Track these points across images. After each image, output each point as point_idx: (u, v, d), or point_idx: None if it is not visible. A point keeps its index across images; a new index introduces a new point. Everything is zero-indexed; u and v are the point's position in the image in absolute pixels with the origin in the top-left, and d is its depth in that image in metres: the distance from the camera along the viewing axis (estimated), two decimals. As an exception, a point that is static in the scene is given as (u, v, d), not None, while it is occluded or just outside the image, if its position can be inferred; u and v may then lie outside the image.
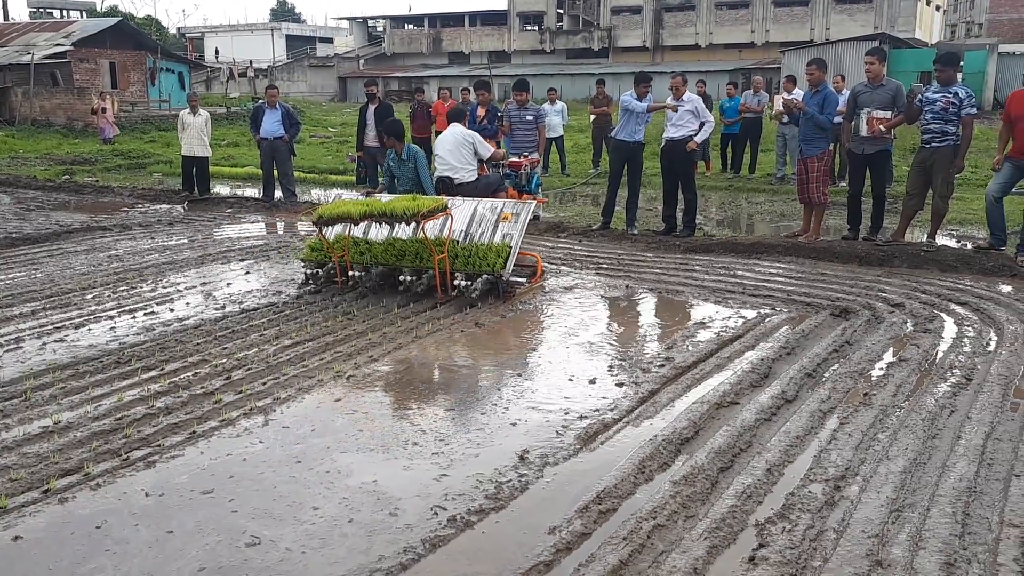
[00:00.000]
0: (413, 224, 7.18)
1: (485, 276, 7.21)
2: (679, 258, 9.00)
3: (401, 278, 7.42)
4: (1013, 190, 8.52)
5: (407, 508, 3.72)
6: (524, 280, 7.69)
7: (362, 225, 7.58)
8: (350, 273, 7.66)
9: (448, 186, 8.47)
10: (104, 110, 24.64)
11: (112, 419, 4.64)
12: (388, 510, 3.71)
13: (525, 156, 9.91)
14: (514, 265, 7.41)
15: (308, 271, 7.82)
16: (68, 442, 4.35)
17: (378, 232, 7.77)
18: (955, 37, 60.89)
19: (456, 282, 7.30)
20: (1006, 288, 7.59)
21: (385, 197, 7.85)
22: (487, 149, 8.74)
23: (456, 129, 8.65)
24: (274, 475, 4.06)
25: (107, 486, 3.94)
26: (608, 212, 10.43)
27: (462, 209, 7.76)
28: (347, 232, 7.62)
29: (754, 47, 52.56)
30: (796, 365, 5.50)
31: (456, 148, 8.56)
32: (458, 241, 7.50)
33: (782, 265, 8.56)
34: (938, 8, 55.06)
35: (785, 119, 10.87)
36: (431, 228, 7.34)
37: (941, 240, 9.18)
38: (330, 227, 7.51)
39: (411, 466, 4.15)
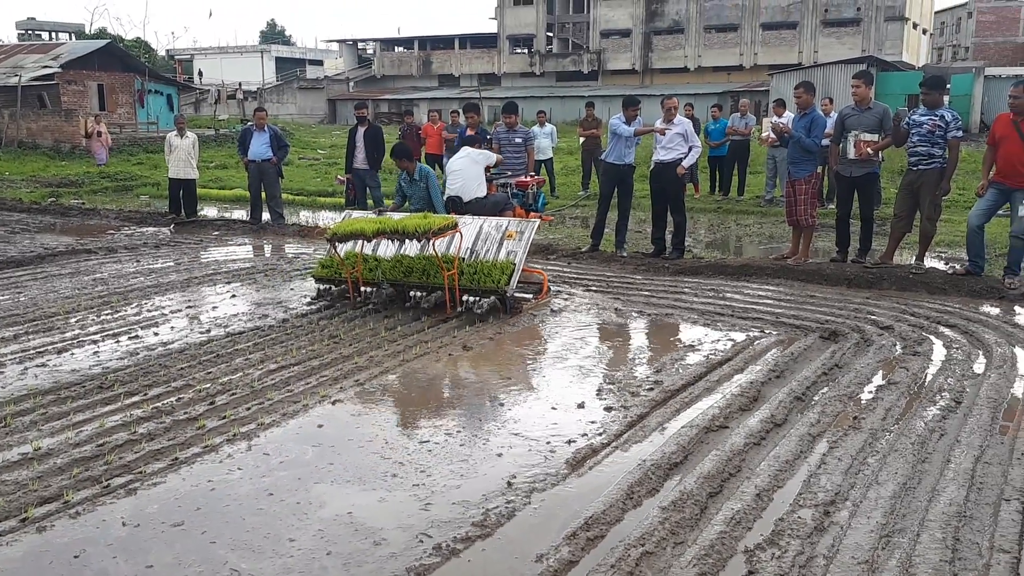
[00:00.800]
0: (423, 241, 7.42)
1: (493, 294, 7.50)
2: (668, 280, 9.00)
3: (411, 294, 7.78)
4: (999, 212, 8.55)
5: (391, 538, 3.66)
6: (531, 296, 7.94)
7: (372, 242, 7.83)
8: (362, 289, 7.96)
9: (457, 205, 8.75)
10: (100, 134, 24.59)
11: (93, 445, 4.57)
12: (371, 539, 3.65)
13: (532, 176, 10.13)
14: (522, 282, 7.75)
15: (320, 287, 8.18)
16: (48, 469, 4.28)
17: (387, 249, 8.06)
18: (942, 60, 61.68)
19: (464, 298, 7.58)
20: (994, 310, 7.60)
21: (396, 215, 8.07)
22: (493, 157, 9.20)
23: (469, 151, 9.12)
24: (245, 506, 3.98)
25: (87, 514, 3.87)
26: (597, 234, 10.44)
27: (469, 228, 7.98)
28: (358, 249, 7.92)
29: (743, 70, 53.05)
30: (785, 388, 5.48)
31: (468, 165, 8.93)
32: (464, 258, 7.69)
33: (771, 287, 8.56)
34: (925, 32, 55.72)
35: (777, 143, 10.92)
36: (440, 245, 7.53)
37: (929, 262, 9.20)
38: (342, 244, 7.81)
39: (401, 489, 4.09)
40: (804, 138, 8.95)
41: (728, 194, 16.00)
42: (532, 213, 9.37)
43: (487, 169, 9.09)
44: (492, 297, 7.55)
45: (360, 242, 7.79)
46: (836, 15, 51.03)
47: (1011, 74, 35.65)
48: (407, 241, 7.55)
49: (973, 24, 62.07)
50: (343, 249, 7.98)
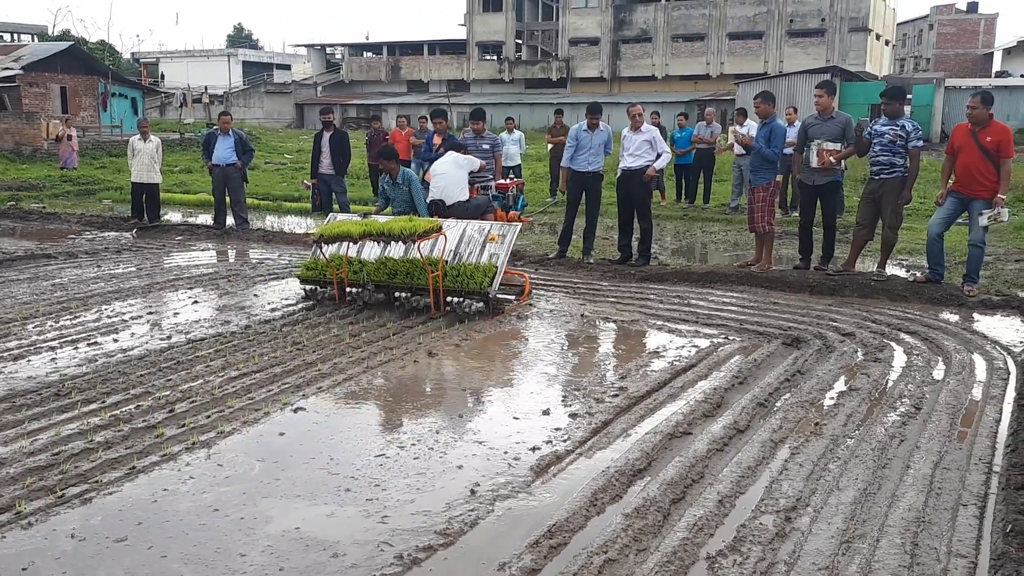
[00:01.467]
0: (408, 243, 7.56)
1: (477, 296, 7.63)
2: (634, 287, 9.03)
3: (397, 295, 7.90)
4: (958, 220, 8.68)
5: (350, 551, 3.62)
6: (513, 298, 8.09)
7: (356, 245, 8.00)
8: (348, 290, 8.06)
9: (440, 209, 8.88)
10: (70, 137, 24.22)
11: (48, 454, 4.48)
12: (330, 552, 3.60)
13: (512, 179, 10.30)
14: (504, 284, 7.94)
15: (306, 288, 8.29)
16: (1, 478, 4.18)
17: (371, 252, 8.26)
18: (904, 71, 62.65)
19: (449, 299, 7.71)
20: (954, 317, 7.71)
21: (381, 218, 8.22)
22: (477, 163, 9.37)
23: (455, 156, 9.22)
24: (188, 521, 3.92)
25: (39, 525, 3.78)
26: (565, 241, 10.45)
27: (452, 231, 8.15)
28: (343, 251, 8.01)
29: (709, 79, 53.46)
30: (748, 394, 5.51)
31: (452, 170, 9.05)
32: (447, 261, 7.83)
33: (735, 294, 8.62)
34: (887, 43, 56.56)
35: (740, 151, 11.03)
36: (424, 248, 7.64)
37: (891, 270, 9.32)
38: (328, 246, 7.89)
39: (372, 497, 4.05)
40: (764, 148, 9.07)
41: (694, 202, 16.11)
42: (511, 213, 9.58)
43: (472, 185, 9.25)
44: (476, 298, 7.63)
45: (346, 244, 7.88)
46: (801, 26, 51.63)
47: (970, 85, 36.32)
48: (392, 243, 7.70)
49: (934, 36, 63.19)
50: (329, 251, 8.02)
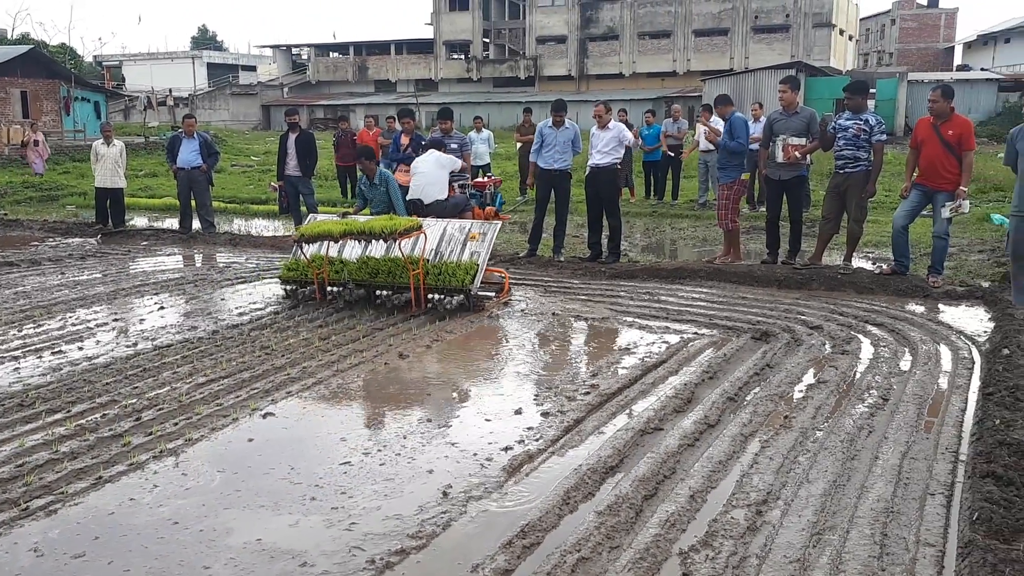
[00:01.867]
0: (389, 242, 7.75)
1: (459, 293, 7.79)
2: (604, 284, 9.05)
3: (378, 293, 8.05)
4: (923, 213, 8.79)
5: (318, 561, 3.59)
6: (493, 294, 8.18)
7: (337, 245, 8.13)
8: (328, 289, 8.20)
9: (418, 208, 8.98)
10: (37, 143, 23.80)
11: (12, 466, 4.39)
12: (299, 560, 3.57)
13: (489, 177, 10.46)
14: (484, 281, 8.04)
15: (287, 288, 8.39)
16: (-38, 492, 4.10)
17: (352, 251, 8.37)
18: (868, 65, 63.41)
19: (430, 296, 7.86)
20: (919, 308, 7.81)
21: (361, 218, 8.32)
22: (458, 162, 9.52)
23: (437, 154, 9.30)
24: (158, 532, 3.87)
25: (2, 538, 3.71)
26: (535, 239, 10.46)
27: (433, 229, 8.27)
28: (324, 251, 8.13)
29: (676, 76, 53.81)
30: (718, 389, 5.54)
31: (433, 168, 9.14)
32: (429, 259, 7.96)
33: (704, 290, 8.67)
34: (851, 38, 57.24)
35: (706, 146, 11.13)
36: (405, 247, 7.85)
37: (857, 262, 9.42)
38: (309, 245, 8.00)
39: (341, 504, 4.02)
40: (729, 143, 9.24)
41: (663, 198, 16.19)
42: (488, 209, 9.73)
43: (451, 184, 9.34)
44: (457, 295, 7.78)
45: (327, 244, 8.00)
46: (766, 22, 52.11)
47: (932, 79, 36.85)
48: (373, 242, 7.88)
49: (896, 31, 64.01)
50: (310, 250, 8.12)
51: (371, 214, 8.81)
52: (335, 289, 8.18)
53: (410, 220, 7.90)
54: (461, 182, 9.69)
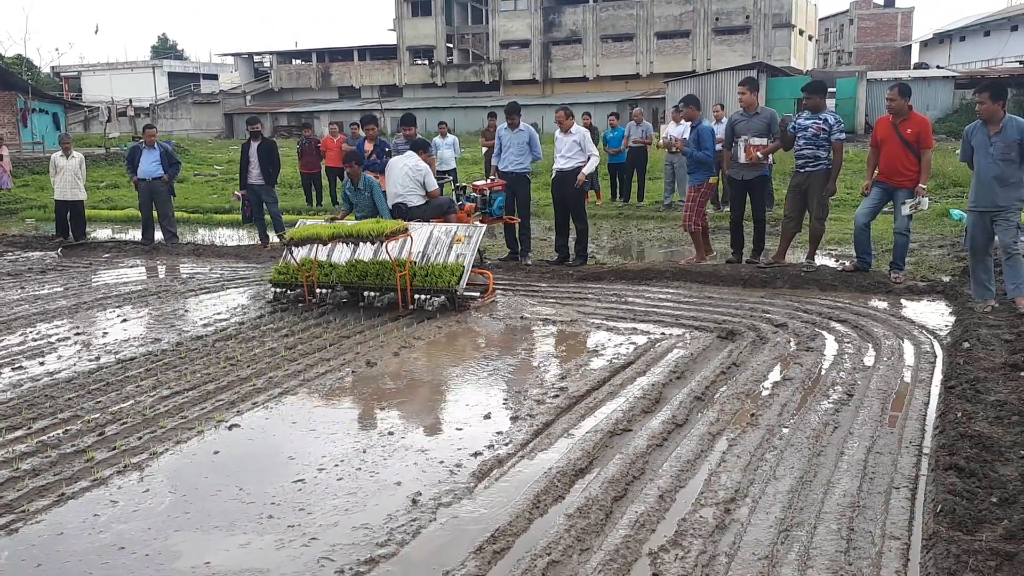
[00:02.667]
0: (376, 246, 8.14)
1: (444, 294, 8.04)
2: (572, 287, 9.07)
3: (365, 295, 8.34)
4: (884, 209, 8.91)
5: (287, 569, 3.55)
6: (478, 295, 8.44)
7: (325, 250, 8.48)
8: (317, 291, 8.50)
9: (403, 211, 9.15)
10: (1, 157, 23.28)
11: (-29, 486, 4.31)
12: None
13: (492, 180, 10.39)
14: (468, 283, 8.25)
15: (277, 291, 8.62)
16: (-81, 514, 4.01)
17: (340, 255, 8.67)
18: (827, 65, 64.22)
19: (416, 297, 8.10)
20: (882, 304, 7.91)
21: (349, 222, 8.63)
22: (433, 186, 9.46)
23: (409, 160, 9.38)
24: (101, 558, 3.81)
25: (-39, 560, 3.63)
26: (513, 243, 10.49)
27: (420, 233, 8.51)
28: (313, 255, 8.42)
29: (640, 78, 54.14)
30: (686, 389, 5.57)
31: (404, 177, 9.29)
32: (415, 262, 8.18)
33: (671, 290, 8.72)
34: (811, 38, 57.92)
35: (673, 149, 11.21)
36: (393, 249, 8.12)
37: (820, 260, 9.53)
38: (299, 249, 8.32)
39: (315, 510, 3.98)
40: (696, 152, 9.29)
41: (628, 200, 16.27)
42: (486, 217, 9.99)
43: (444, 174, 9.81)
44: (442, 296, 8.05)
45: (315, 248, 8.30)
46: (727, 23, 52.60)
47: (891, 77, 37.35)
48: (361, 245, 8.24)
49: (855, 30, 64.95)
50: (299, 254, 8.41)
51: (356, 218, 9.05)
52: (322, 291, 8.48)
53: (396, 223, 8.15)
54: (461, 185, 9.94)
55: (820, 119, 8.66)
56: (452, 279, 7.98)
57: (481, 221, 9.68)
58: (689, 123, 9.64)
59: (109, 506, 4.11)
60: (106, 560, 3.64)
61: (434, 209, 9.27)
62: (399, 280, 7.99)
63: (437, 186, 9.61)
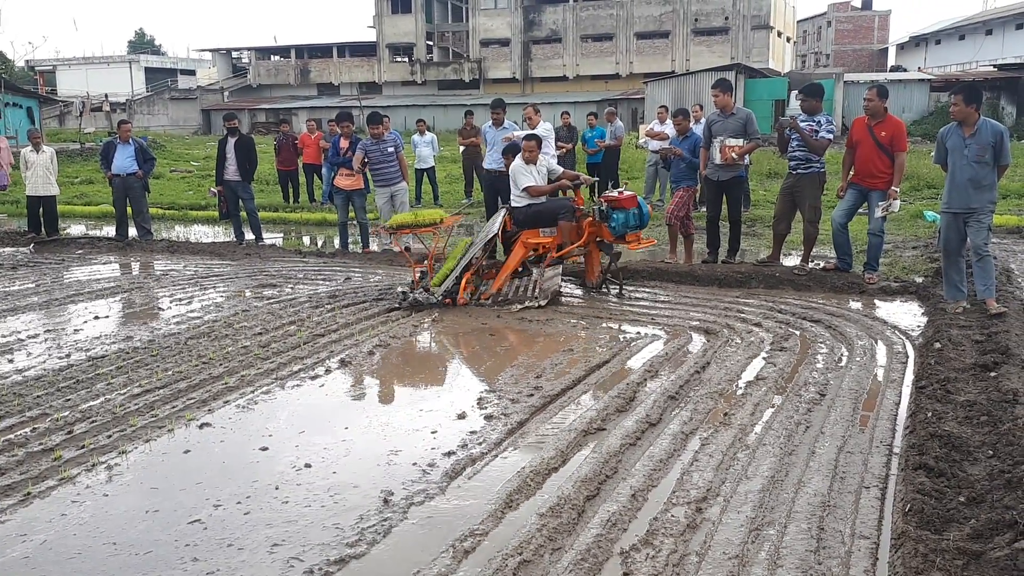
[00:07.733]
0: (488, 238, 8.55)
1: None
2: (548, 286, 9.04)
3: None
4: (859, 211, 8.96)
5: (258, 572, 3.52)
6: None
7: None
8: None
9: (517, 212, 8.83)
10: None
11: (-65, 485, 4.24)
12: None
13: (622, 192, 8.60)
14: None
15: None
16: None
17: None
18: (805, 67, 64.65)
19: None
20: (856, 305, 7.97)
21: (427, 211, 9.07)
22: (556, 170, 9.05)
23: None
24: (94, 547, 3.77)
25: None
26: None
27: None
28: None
29: (619, 78, 54.28)
30: (660, 388, 5.58)
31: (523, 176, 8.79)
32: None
33: (647, 290, 8.73)
34: (789, 40, 58.30)
35: (655, 146, 11.29)
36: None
37: (796, 261, 9.57)
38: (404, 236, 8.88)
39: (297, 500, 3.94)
40: (694, 160, 9.51)
41: (606, 199, 16.26)
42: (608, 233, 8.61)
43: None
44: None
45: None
46: (706, 24, 52.83)
47: (867, 79, 37.72)
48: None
49: (832, 33, 65.44)
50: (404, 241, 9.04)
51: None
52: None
53: (436, 212, 8.83)
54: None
55: (813, 121, 8.69)
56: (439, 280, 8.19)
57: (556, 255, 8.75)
58: (682, 135, 9.75)
59: (75, 505, 4.06)
60: (72, 556, 3.60)
61: (546, 215, 8.62)
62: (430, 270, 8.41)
63: (559, 169, 9.01)
